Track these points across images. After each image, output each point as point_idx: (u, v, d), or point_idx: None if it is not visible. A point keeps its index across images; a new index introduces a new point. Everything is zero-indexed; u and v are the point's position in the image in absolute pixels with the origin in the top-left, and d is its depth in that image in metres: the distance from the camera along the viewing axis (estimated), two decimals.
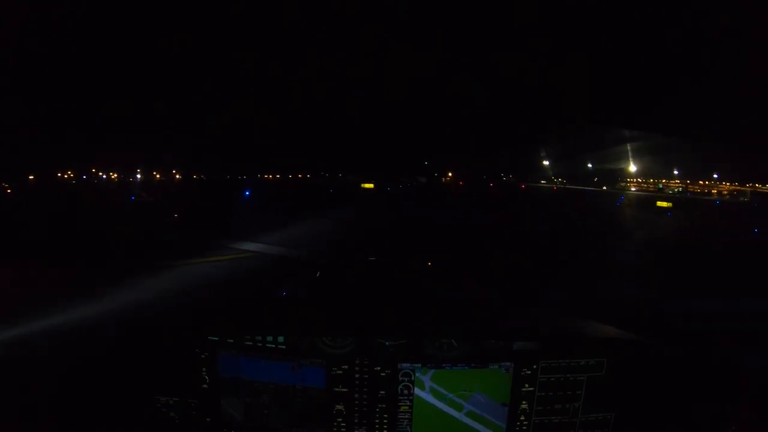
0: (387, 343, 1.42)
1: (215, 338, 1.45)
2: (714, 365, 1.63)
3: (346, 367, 1.42)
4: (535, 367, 1.40)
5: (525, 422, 1.42)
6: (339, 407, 1.43)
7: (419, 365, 1.41)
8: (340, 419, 1.43)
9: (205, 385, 1.47)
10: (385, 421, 1.43)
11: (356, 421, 1.43)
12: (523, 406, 1.41)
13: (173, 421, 1.49)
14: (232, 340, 1.45)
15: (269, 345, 1.44)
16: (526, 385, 1.40)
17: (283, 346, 1.44)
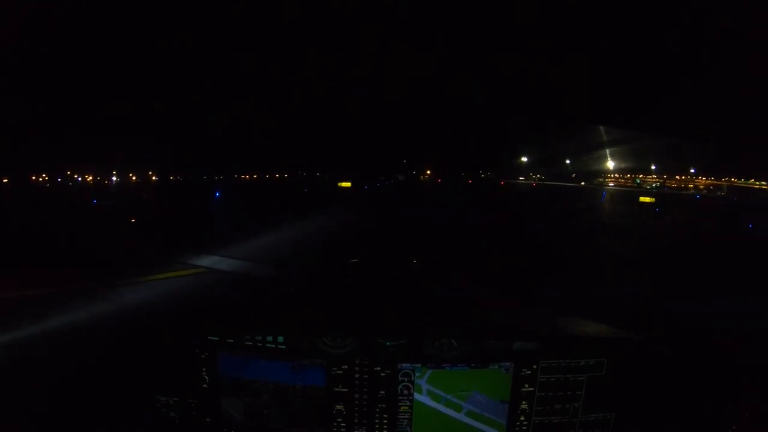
0: (387, 344, 1.42)
1: (215, 338, 1.45)
2: (714, 365, 1.63)
3: (346, 367, 1.42)
4: (535, 367, 1.40)
5: (525, 422, 1.42)
6: (339, 407, 1.43)
7: (419, 365, 1.41)
8: (340, 419, 1.43)
9: (205, 385, 1.47)
10: (385, 421, 1.43)
11: (356, 421, 1.43)
12: (523, 406, 1.41)
13: (173, 421, 1.49)
14: (232, 340, 1.45)
15: (269, 345, 1.44)
16: (526, 385, 1.40)
17: (283, 346, 1.44)
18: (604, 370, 1.41)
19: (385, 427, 1.43)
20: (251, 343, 1.44)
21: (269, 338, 1.44)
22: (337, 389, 1.43)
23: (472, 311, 1.94)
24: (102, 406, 1.50)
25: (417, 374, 1.41)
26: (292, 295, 2.22)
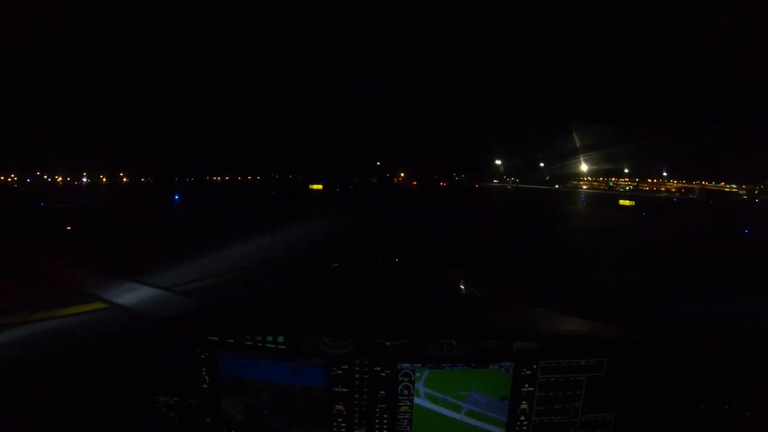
0: (388, 344, 1.42)
1: (215, 338, 1.45)
2: (714, 365, 1.63)
3: (346, 367, 1.42)
4: (535, 367, 1.40)
5: (525, 422, 1.42)
6: (339, 407, 1.43)
7: (419, 365, 1.41)
8: (340, 419, 1.43)
9: (205, 385, 1.47)
10: (385, 421, 1.43)
11: (356, 421, 1.43)
12: (523, 406, 1.41)
13: (173, 421, 1.49)
14: (232, 340, 1.45)
15: (269, 345, 1.44)
16: (526, 385, 1.40)
17: (283, 346, 1.44)
18: (604, 370, 1.41)
19: (385, 427, 1.43)
20: (251, 343, 1.44)
21: (269, 338, 1.44)
22: (337, 389, 1.43)
23: (472, 311, 1.94)
24: (102, 406, 1.50)
25: (417, 374, 1.41)
26: (293, 295, 2.22)
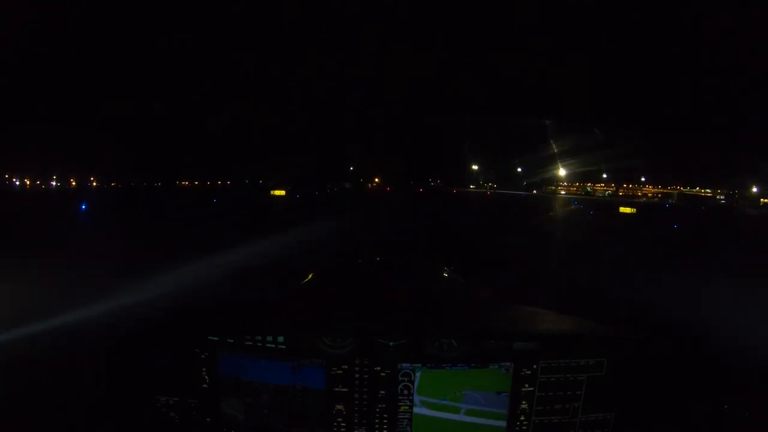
0: (390, 344, 1.42)
1: (215, 338, 1.45)
2: (714, 365, 1.63)
3: (346, 367, 1.42)
4: (535, 367, 1.40)
5: (525, 422, 1.41)
6: (339, 407, 1.43)
7: (419, 365, 1.41)
8: (340, 419, 1.43)
9: (205, 385, 1.47)
10: (385, 421, 1.43)
11: (356, 421, 1.43)
12: (523, 406, 1.41)
13: (173, 421, 1.49)
14: (232, 340, 1.45)
15: (269, 345, 1.44)
16: (526, 385, 1.40)
17: (283, 346, 1.44)
18: (604, 370, 1.41)
19: (385, 427, 1.43)
20: (251, 343, 1.44)
21: (269, 338, 1.44)
22: (337, 389, 1.43)
23: (472, 311, 1.94)
24: (102, 406, 1.50)
25: (417, 374, 1.41)
26: (293, 295, 2.23)
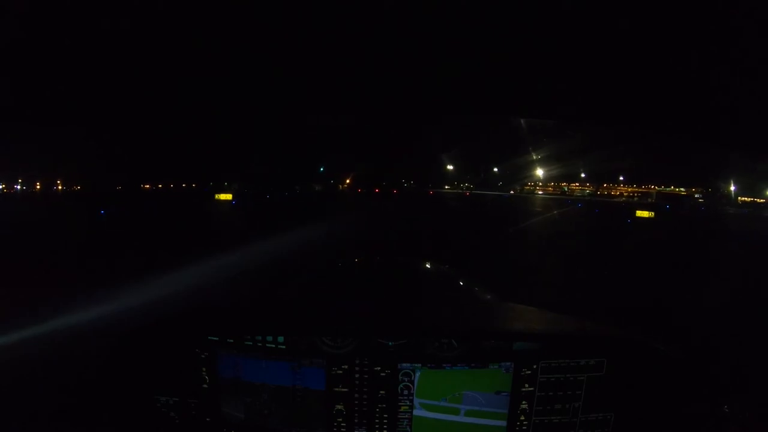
0: (390, 344, 1.42)
1: (215, 338, 1.45)
2: (714, 365, 1.63)
3: (346, 367, 1.42)
4: (535, 367, 1.40)
5: (525, 422, 1.42)
6: (339, 407, 1.43)
7: (419, 365, 1.41)
8: (340, 419, 1.43)
9: (205, 385, 1.47)
10: (385, 421, 1.43)
11: (356, 421, 1.43)
12: (523, 405, 1.41)
13: (173, 421, 1.49)
14: (232, 340, 1.45)
15: (269, 345, 1.44)
16: (526, 385, 1.40)
17: (283, 346, 1.44)
18: (604, 370, 1.41)
19: (385, 427, 1.43)
20: (251, 343, 1.44)
21: (269, 338, 1.44)
22: (337, 389, 1.43)
23: (473, 311, 1.94)
24: (102, 405, 1.50)
25: (417, 374, 1.41)
26: (293, 295, 2.23)
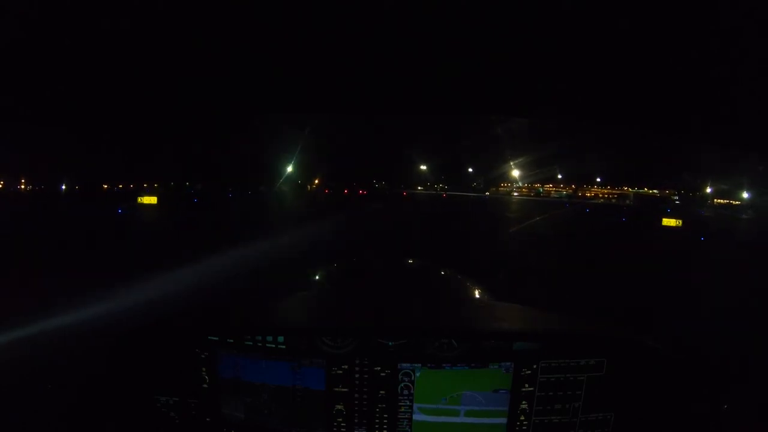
0: (390, 343, 1.42)
1: (215, 338, 1.45)
2: (714, 365, 1.63)
3: (346, 367, 1.42)
4: (535, 367, 1.40)
5: (525, 422, 1.42)
6: (339, 407, 1.43)
7: (419, 365, 1.41)
8: (340, 419, 1.43)
9: (205, 385, 1.47)
10: (385, 421, 1.43)
11: (356, 421, 1.43)
12: (523, 405, 1.41)
13: (173, 421, 1.49)
14: (232, 340, 1.45)
15: (269, 345, 1.44)
16: (526, 385, 1.40)
17: (283, 346, 1.44)
18: (604, 370, 1.41)
19: (385, 427, 1.43)
20: (251, 343, 1.44)
21: (269, 338, 1.44)
22: (337, 389, 1.43)
23: (473, 311, 1.94)
24: (101, 405, 1.50)
25: (417, 374, 1.41)
26: (293, 295, 2.23)
